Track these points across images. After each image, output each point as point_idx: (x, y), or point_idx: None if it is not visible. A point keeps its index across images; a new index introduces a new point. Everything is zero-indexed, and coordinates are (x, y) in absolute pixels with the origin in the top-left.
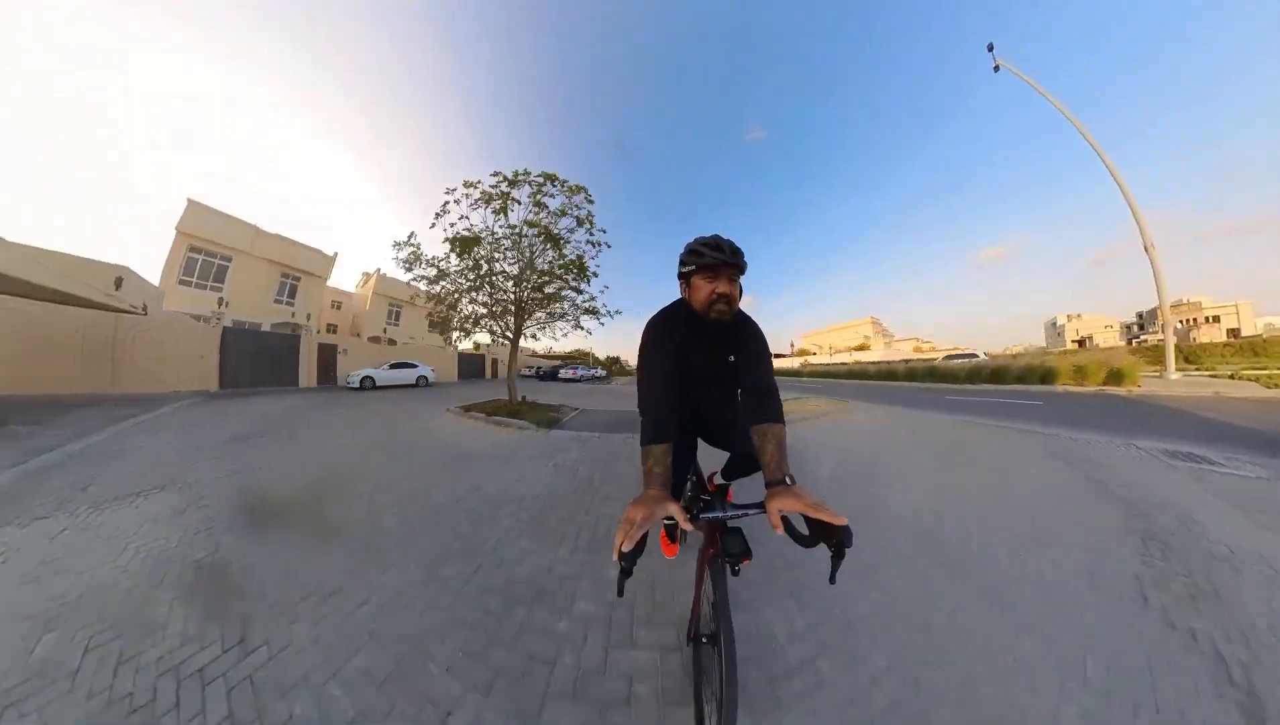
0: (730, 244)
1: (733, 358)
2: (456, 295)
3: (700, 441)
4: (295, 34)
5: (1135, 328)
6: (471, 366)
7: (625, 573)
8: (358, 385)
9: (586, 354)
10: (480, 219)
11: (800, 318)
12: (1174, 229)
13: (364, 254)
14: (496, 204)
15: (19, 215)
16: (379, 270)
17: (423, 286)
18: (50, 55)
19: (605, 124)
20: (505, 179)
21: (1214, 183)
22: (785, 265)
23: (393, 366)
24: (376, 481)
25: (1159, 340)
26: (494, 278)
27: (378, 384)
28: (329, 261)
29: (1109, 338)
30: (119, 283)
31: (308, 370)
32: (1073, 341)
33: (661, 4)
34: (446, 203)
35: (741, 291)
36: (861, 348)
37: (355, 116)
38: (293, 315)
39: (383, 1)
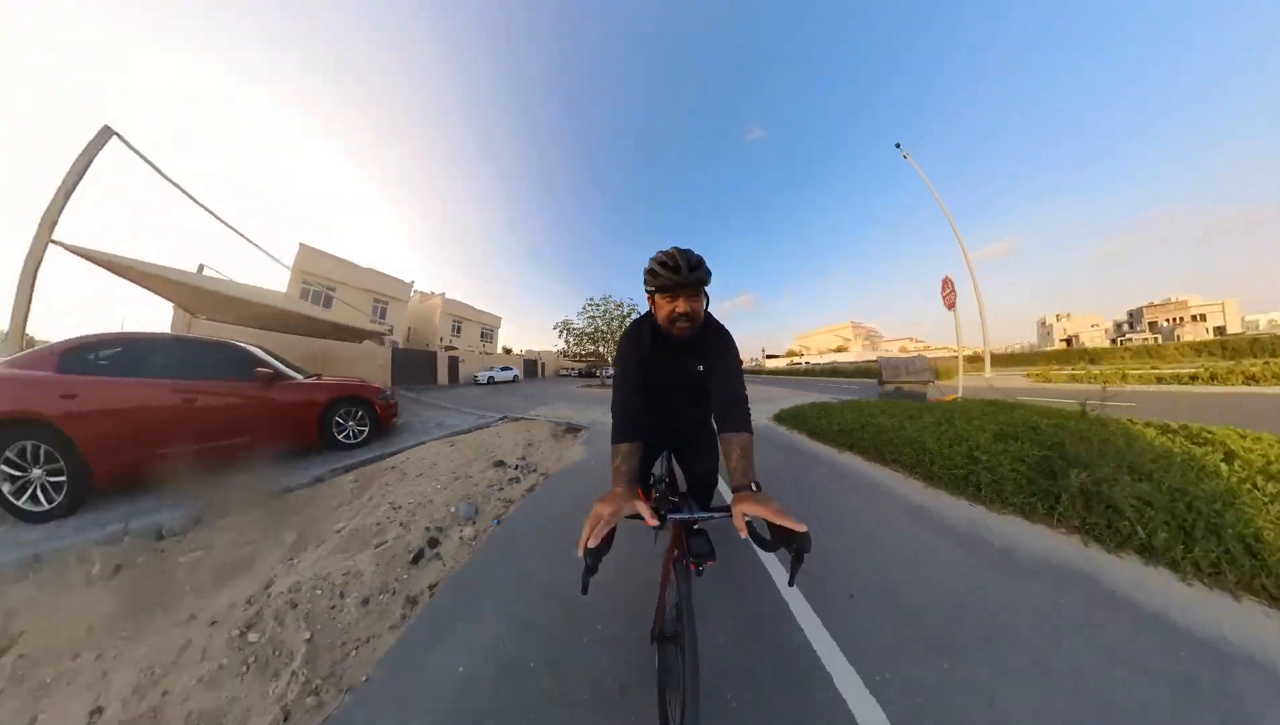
0: (688, 259)
1: (701, 368)
2: (586, 341)
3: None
4: (295, 33)
5: (1126, 326)
6: (530, 368)
7: (590, 569)
8: (485, 382)
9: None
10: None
11: (803, 316)
12: (1185, 224)
13: (364, 252)
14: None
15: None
16: (444, 293)
17: (564, 336)
18: (50, 55)
19: (605, 124)
20: (611, 307)
21: (1223, 178)
22: (786, 265)
23: (501, 369)
24: (597, 398)
25: (1144, 340)
26: (600, 335)
27: (495, 381)
28: (407, 288)
29: (1095, 337)
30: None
31: (443, 373)
32: (1060, 340)
33: (662, 4)
34: (586, 306)
35: (708, 300)
36: (840, 349)
37: (355, 116)
38: (390, 330)
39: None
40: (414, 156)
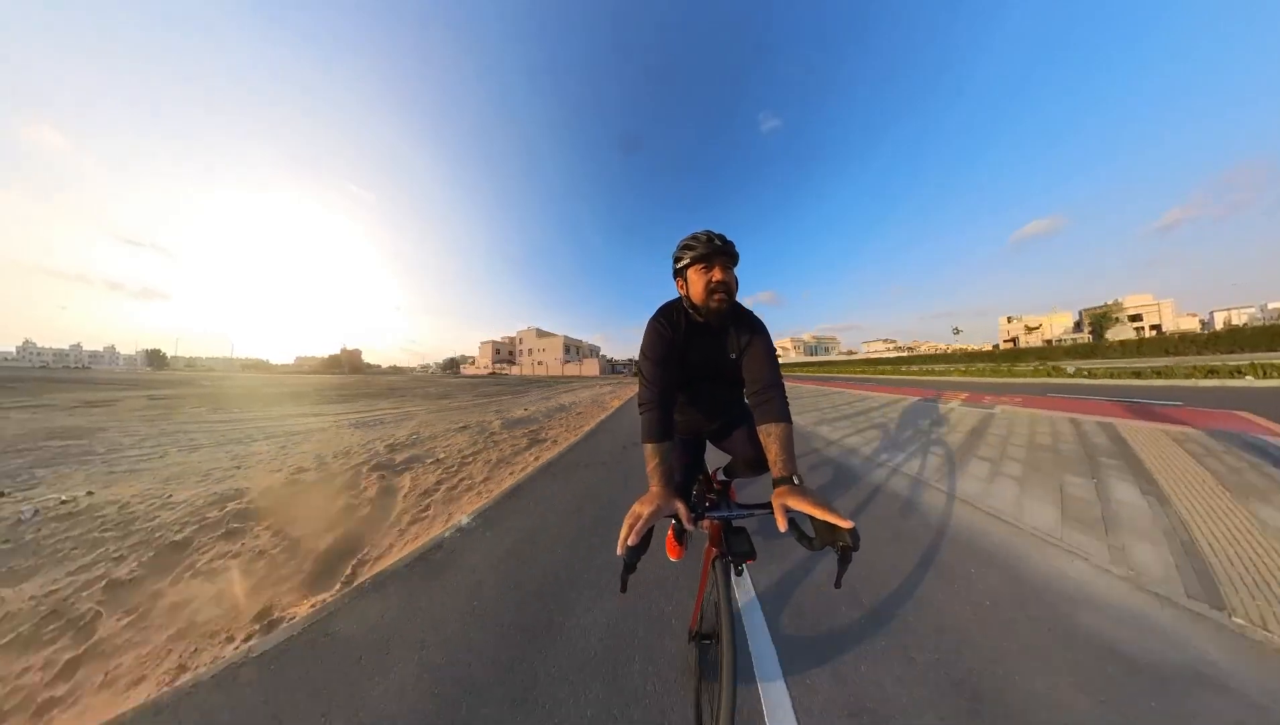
0: (720, 235)
1: (734, 355)
2: None
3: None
4: (296, 38)
5: (1081, 326)
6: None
7: (629, 568)
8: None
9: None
10: None
11: (820, 313)
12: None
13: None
14: None
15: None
16: (589, 340)
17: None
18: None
19: (613, 123)
20: None
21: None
22: (804, 261)
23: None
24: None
25: (1072, 340)
26: None
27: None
28: (583, 340)
29: (1032, 338)
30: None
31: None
32: (1004, 341)
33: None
34: None
35: (737, 283)
36: (776, 355)
37: (355, 116)
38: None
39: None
40: (416, 158)
